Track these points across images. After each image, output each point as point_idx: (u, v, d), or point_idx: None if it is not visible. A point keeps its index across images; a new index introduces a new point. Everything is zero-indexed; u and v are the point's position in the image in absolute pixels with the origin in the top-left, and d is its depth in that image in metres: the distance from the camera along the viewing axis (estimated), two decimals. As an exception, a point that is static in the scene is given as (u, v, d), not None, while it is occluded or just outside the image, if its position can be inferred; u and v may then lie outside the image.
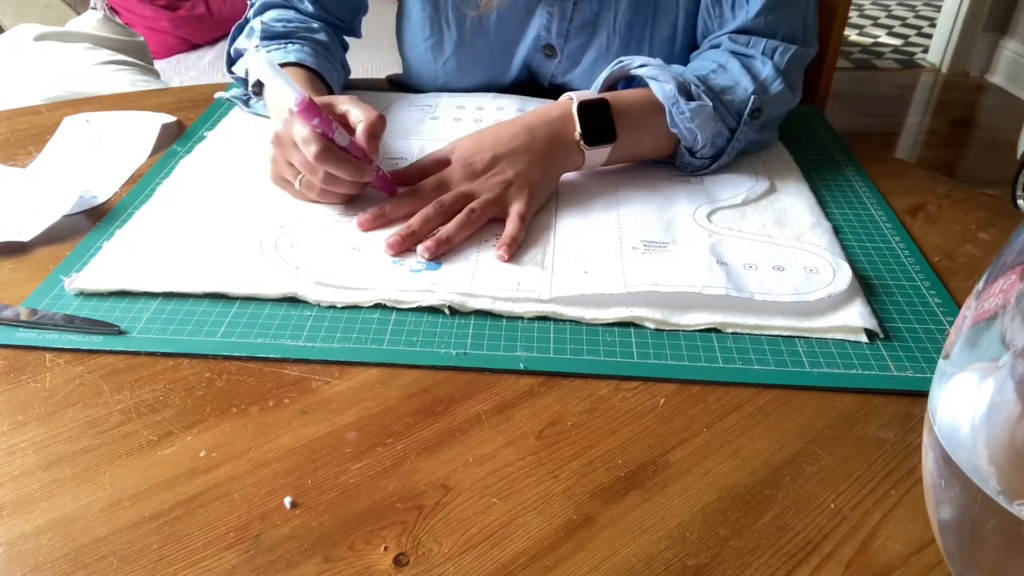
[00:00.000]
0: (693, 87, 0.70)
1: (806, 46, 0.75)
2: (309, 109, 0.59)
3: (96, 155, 0.75)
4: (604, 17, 0.81)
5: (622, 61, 0.73)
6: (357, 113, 0.65)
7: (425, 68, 0.88)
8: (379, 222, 0.63)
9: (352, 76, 0.90)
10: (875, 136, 2.74)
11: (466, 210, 0.62)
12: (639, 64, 0.72)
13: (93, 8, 1.71)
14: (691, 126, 0.69)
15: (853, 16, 3.87)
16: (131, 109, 0.84)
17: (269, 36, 0.78)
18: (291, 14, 0.82)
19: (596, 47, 0.82)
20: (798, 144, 0.81)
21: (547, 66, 0.86)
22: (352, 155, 0.62)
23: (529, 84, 0.88)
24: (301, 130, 0.60)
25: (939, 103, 3.05)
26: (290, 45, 0.77)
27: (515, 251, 0.61)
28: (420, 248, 0.60)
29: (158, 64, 1.62)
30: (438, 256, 0.60)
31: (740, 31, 0.74)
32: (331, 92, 0.78)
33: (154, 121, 0.80)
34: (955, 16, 3.18)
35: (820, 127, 0.86)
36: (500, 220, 0.64)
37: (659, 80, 0.70)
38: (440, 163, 0.68)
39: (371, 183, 0.65)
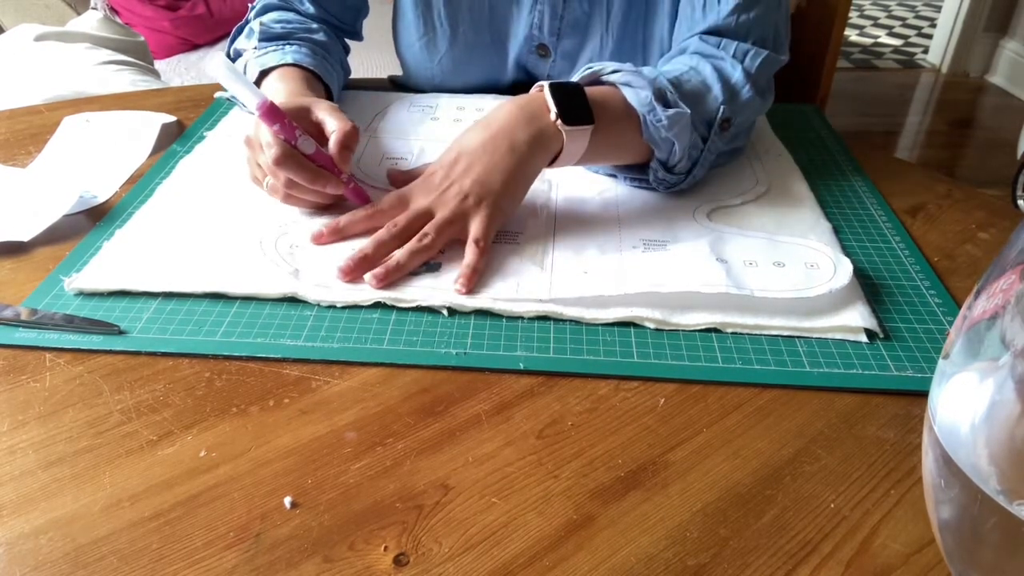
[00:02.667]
0: (669, 93, 0.65)
1: (777, 52, 0.72)
2: (269, 113, 0.59)
3: (96, 155, 0.75)
4: (596, 16, 0.80)
5: (592, 67, 0.67)
6: (332, 123, 0.63)
7: (422, 67, 0.88)
8: (334, 238, 0.61)
9: (352, 76, 0.91)
10: (875, 136, 2.74)
11: (418, 235, 0.59)
12: (611, 70, 0.67)
13: (93, 8, 1.71)
14: (668, 135, 0.64)
15: (853, 16, 3.87)
16: (131, 109, 0.84)
17: (267, 37, 0.78)
18: (291, 15, 0.82)
19: (590, 48, 0.82)
20: (798, 144, 0.81)
21: (542, 67, 0.86)
22: (317, 163, 0.61)
23: (527, 87, 0.88)
24: (265, 134, 0.60)
25: (939, 103, 3.05)
26: (288, 46, 0.77)
27: (476, 281, 0.57)
28: (368, 276, 0.56)
29: (158, 64, 1.62)
30: (388, 285, 0.56)
31: (711, 31, 0.72)
32: (329, 93, 0.78)
33: (154, 121, 0.80)
34: (955, 16, 3.18)
35: (820, 127, 0.86)
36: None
37: (633, 86, 0.65)
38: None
39: (344, 195, 0.63)
